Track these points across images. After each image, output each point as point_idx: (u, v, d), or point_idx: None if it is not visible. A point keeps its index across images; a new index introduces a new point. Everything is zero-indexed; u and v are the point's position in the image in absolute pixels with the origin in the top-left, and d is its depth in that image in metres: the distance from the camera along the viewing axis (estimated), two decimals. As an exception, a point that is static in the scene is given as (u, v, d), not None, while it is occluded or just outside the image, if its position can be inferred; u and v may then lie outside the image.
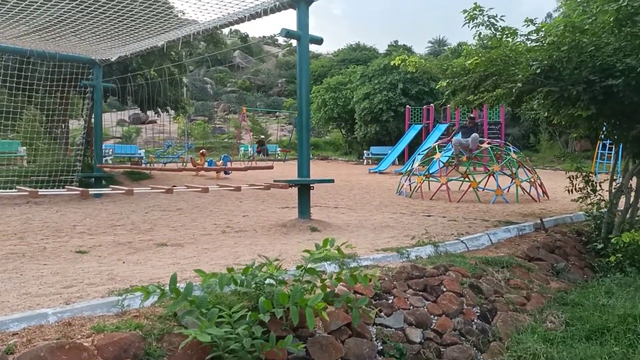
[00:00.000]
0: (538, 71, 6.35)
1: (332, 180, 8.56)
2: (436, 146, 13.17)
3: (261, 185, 7.78)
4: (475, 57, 7.32)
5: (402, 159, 23.63)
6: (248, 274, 3.72)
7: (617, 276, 6.55)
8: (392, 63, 8.62)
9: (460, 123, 12.31)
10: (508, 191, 12.63)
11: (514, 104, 7.64)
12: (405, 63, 8.51)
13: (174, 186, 15.02)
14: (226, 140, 38.38)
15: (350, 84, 31.80)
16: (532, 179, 12.32)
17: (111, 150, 22.63)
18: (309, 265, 3.85)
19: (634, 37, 6.19)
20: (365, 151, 28.76)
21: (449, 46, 54.64)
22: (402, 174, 14.00)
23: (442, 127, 22.52)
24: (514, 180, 12.00)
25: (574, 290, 6.12)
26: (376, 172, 21.84)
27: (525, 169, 12.62)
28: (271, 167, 9.74)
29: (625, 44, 6.29)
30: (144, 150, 24.89)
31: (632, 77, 6.18)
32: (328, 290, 3.98)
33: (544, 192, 12.40)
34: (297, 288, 3.45)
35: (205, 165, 17.18)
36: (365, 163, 28.47)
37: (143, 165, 16.74)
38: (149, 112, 39.08)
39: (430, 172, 13.52)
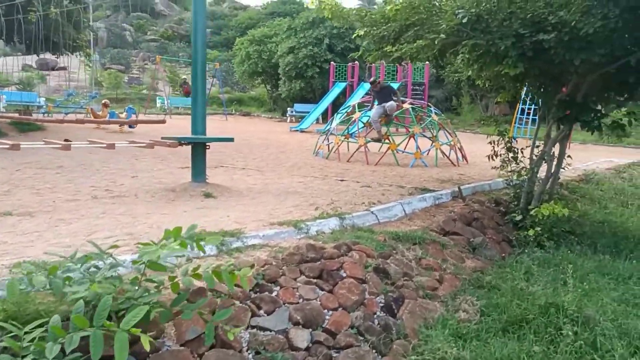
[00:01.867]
0: (464, 21, 5.46)
1: (231, 139, 7.40)
2: (355, 105, 12.23)
3: (142, 143, 6.52)
4: (396, 4, 6.33)
5: (326, 117, 22.67)
6: (56, 273, 2.60)
7: (536, 252, 5.97)
8: (305, 5, 7.46)
9: (371, 94, 11.45)
10: (428, 154, 12.02)
11: (436, 59, 6.76)
12: (321, 6, 7.41)
13: (68, 140, 13.32)
14: (144, 91, 35.74)
15: (276, 37, 30.17)
16: (452, 143, 11.74)
17: (2, 97, 20.10)
18: (148, 258, 2.75)
19: (568, -13, 5.42)
20: (289, 108, 27.55)
21: (378, 4, 53.62)
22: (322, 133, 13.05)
23: (367, 85, 21.67)
24: (433, 144, 11.36)
25: (490, 270, 5.45)
26: (297, 130, 20.80)
27: (446, 131, 12.01)
28: (163, 122, 8.42)
29: (559, -6, 5.51)
30: (44, 99, 22.37)
31: (564, 32, 5.42)
32: (180, 291, 2.95)
33: (464, 157, 11.88)
34: (105, 302, 2.35)
35: (108, 117, 15.39)
36: (288, 121, 27.29)
37: (35, 116, 14.72)
38: (60, 58, 35.73)
39: (350, 132, 12.63)
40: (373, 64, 22.32)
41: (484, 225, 6.59)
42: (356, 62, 22.58)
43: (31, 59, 41.41)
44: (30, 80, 27.82)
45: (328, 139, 12.57)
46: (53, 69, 41.93)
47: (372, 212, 5.96)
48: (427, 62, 21.72)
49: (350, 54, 25.94)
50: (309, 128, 21.03)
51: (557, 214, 6.16)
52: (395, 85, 20.68)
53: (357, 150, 11.40)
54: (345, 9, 7.35)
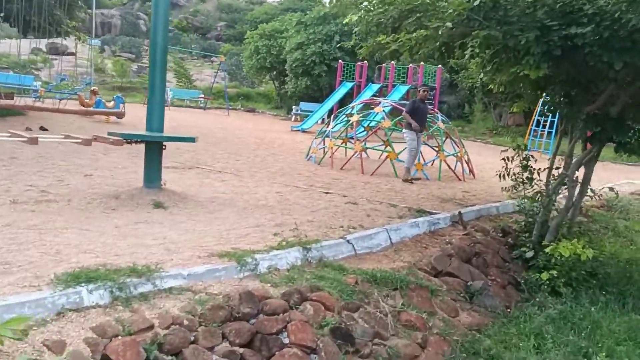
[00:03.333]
0: (476, 3, 4.21)
1: (192, 139, 6.18)
2: (354, 107, 10.97)
3: (79, 139, 5.34)
4: (396, -16, 5.10)
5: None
6: None
7: (550, 303, 4.71)
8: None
9: (413, 101, 9.56)
10: (432, 165, 10.75)
11: (442, 56, 5.51)
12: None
13: (43, 128, 12.22)
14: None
15: (287, 32, 28.95)
16: (459, 154, 10.46)
17: (-6, 78, 19.09)
18: None
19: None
20: (294, 106, 26.32)
21: None
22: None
23: (375, 87, 20.42)
24: (438, 154, 10.09)
25: (491, 329, 4.21)
26: (299, 130, 19.57)
27: (452, 141, 10.73)
28: (122, 115, 7.22)
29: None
30: (39, 83, 21.36)
31: (604, 25, 4.16)
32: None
33: (471, 170, 10.59)
34: None
35: (94, 106, 14.26)
36: (292, 119, 26.09)
37: (21, 100, 13.63)
38: (66, 42, 34.74)
39: (348, 137, 11.40)
40: (383, 64, 21.04)
41: (486, 262, 5.34)
42: (365, 61, 21.29)
43: (40, 42, 40.64)
44: (27, 64, 26.78)
45: (324, 142, 11.36)
46: (63, 54, 41.16)
47: (347, 241, 4.74)
48: (439, 66, 20.43)
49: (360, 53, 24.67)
50: (311, 128, 19.80)
51: (580, 255, 4.90)
52: (404, 89, 19.42)
53: (352, 156, 10.16)
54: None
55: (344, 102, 22.31)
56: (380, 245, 5.02)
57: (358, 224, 5.42)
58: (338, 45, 23.27)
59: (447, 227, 6.03)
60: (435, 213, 6.29)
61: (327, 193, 7.27)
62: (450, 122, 10.96)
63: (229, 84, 32.41)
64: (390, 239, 5.18)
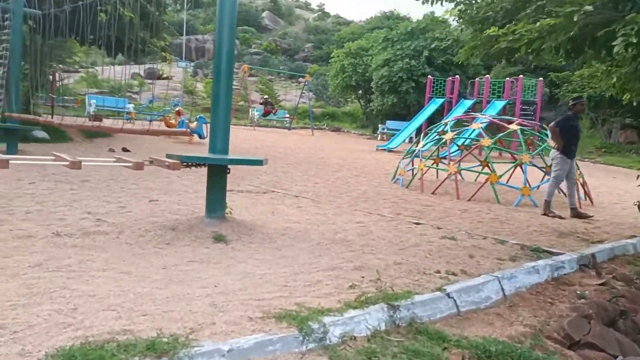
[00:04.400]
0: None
1: (259, 162, 5.30)
2: (447, 124, 9.75)
3: (129, 163, 4.64)
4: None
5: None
6: None
7: None
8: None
9: (566, 117, 7.59)
10: (538, 189, 9.26)
11: (566, 54, 4.26)
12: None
13: (126, 149, 12.09)
14: (240, 103, 35.11)
15: (373, 49, 28.15)
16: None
17: (93, 102, 19.82)
18: None
19: None
20: (380, 125, 25.31)
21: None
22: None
23: (468, 102, 18.90)
24: (548, 177, 8.60)
25: None
26: (385, 149, 18.49)
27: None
28: (188, 135, 6.58)
29: None
30: (132, 105, 22.00)
31: None
32: None
33: (588, 196, 8.98)
34: None
35: (177, 127, 14.10)
36: (379, 138, 25.06)
37: (100, 123, 13.75)
38: (161, 66, 36.06)
39: (440, 156, 10.17)
40: (476, 79, 19.50)
41: (637, 325, 3.97)
42: (457, 76, 19.87)
43: (140, 69, 42.85)
44: (123, 87, 27.92)
45: (412, 163, 10.22)
46: (159, 78, 43.10)
47: (448, 295, 3.61)
48: (540, 79, 18.56)
49: (451, 68, 23.25)
50: (397, 147, 18.65)
51: None
52: (500, 104, 17.80)
53: (445, 179, 8.92)
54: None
55: (433, 120, 20.97)
56: (491, 299, 3.84)
57: (459, 268, 4.26)
58: (439, 61, 22.07)
59: (575, 273, 4.70)
60: (557, 253, 4.97)
61: (417, 224, 6.14)
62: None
63: (314, 104, 32.07)
64: (502, 290, 3.97)
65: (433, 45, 23.14)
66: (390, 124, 24.81)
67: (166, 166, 4.62)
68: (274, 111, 26.79)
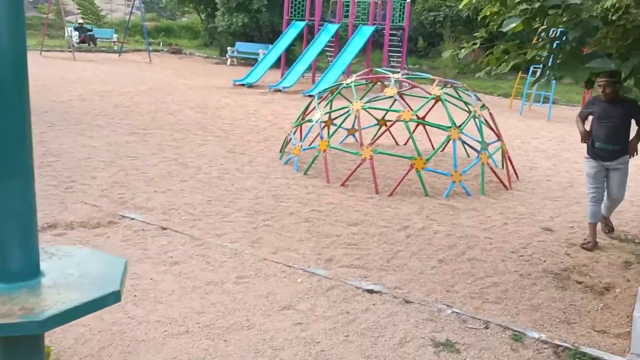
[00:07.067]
0: None
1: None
2: (352, 82, 7.27)
3: None
4: None
5: (277, 66, 17.38)
6: None
7: None
8: None
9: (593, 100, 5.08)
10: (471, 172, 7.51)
11: None
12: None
13: None
14: (50, 15, 28.08)
15: (212, -46, 23.69)
16: (502, 148, 7.31)
17: None
18: None
19: None
20: (229, 48, 21.85)
21: None
22: (311, 97, 8.04)
23: (332, 27, 16.44)
24: (479, 155, 6.84)
25: None
26: (243, 84, 15.53)
27: (487, 126, 7.41)
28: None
29: None
30: None
31: None
32: None
33: (511, 167, 7.48)
34: None
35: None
36: (229, 63, 21.71)
37: None
38: None
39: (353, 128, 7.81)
40: (339, -1, 16.94)
41: None
42: (318, -5, 17.12)
43: None
44: None
45: (300, 134, 7.77)
46: None
47: None
48: (407, 1, 16.60)
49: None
50: (258, 81, 15.81)
51: None
52: (368, 30, 15.67)
53: (358, 166, 6.67)
54: None
55: (292, 50, 18.23)
56: None
57: None
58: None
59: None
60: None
61: (370, 292, 3.89)
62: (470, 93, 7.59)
63: (145, 17, 26.80)
64: None
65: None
66: (241, 45, 21.48)
67: None
68: (92, 43, 21.62)
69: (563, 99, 15.67)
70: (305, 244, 4.74)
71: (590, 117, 5.05)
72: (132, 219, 5.06)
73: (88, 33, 21.60)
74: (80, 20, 23.73)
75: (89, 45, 21.52)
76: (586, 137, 4.95)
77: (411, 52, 23.45)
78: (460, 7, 3.36)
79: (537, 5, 2.49)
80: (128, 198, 5.62)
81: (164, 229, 4.87)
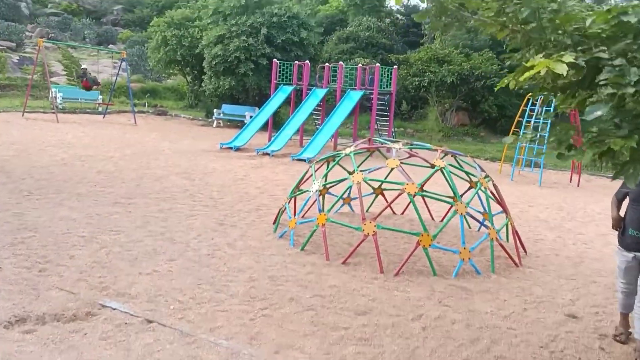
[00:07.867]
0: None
1: None
2: (351, 151, 6.89)
3: None
4: None
5: (265, 129, 17.12)
6: None
7: None
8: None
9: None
10: (480, 248, 7.09)
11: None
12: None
13: None
14: (35, 77, 27.84)
15: (199, 20, 24.02)
16: (509, 221, 6.91)
17: None
18: None
19: None
20: (215, 110, 21.70)
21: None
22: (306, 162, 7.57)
23: (320, 92, 16.38)
24: (488, 231, 6.42)
25: None
26: (231, 148, 15.17)
27: (495, 200, 7.05)
28: None
29: None
30: None
31: None
32: None
33: (521, 243, 7.07)
34: None
35: None
36: (215, 125, 21.49)
37: None
38: None
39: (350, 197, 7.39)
40: (327, 64, 17.04)
41: None
42: (306, 61, 17.21)
43: None
44: None
45: (295, 204, 7.30)
46: None
47: None
48: (395, 67, 16.76)
49: (293, 48, 20.49)
50: (245, 145, 15.48)
51: None
52: (357, 95, 15.62)
53: (361, 243, 6.17)
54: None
55: (278, 113, 18.10)
56: None
57: None
58: (279, 41, 19.08)
59: None
60: None
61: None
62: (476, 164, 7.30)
63: (131, 78, 26.71)
64: None
65: (273, 20, 20.10)
66: (227, 108, 21.37)
67: None
68: (95, 87, 21.52)
69: (550, 164, 15.59)
70: (310, 339, 4.15)
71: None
72: (114, 309, 4.44)
73: (89, 76, 21.46)
74: (84, 66, 23.66)
75: (94, 85, 21.45)
76: (618, 223, 4.34)
77: (395, 115, 23.57)
78: (512, 87, 2.84)
79: (631, 90, 2.11)
80: (109, 282, 5.00)
81: (150, 322, 4.25)
